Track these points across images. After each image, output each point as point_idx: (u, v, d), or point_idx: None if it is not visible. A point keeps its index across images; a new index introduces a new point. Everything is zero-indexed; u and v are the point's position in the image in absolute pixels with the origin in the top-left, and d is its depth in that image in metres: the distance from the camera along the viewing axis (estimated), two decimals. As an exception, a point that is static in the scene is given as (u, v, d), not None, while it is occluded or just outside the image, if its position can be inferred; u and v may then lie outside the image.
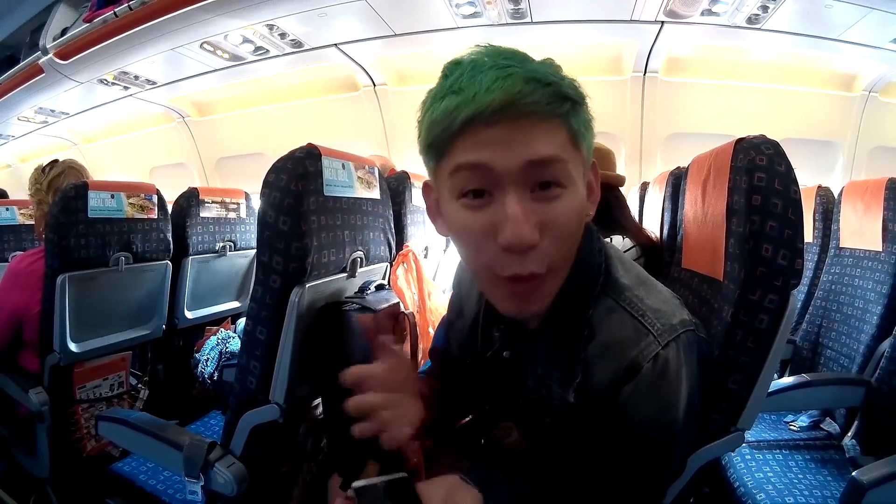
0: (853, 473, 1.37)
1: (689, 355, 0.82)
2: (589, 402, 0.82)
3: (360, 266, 1.65)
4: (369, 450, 1.02)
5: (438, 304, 2.09)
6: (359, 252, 1.62)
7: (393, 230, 1.85)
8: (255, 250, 3.07)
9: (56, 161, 2.38)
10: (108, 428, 1.73)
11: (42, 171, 2.33)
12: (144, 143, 5.66)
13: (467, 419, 1.31)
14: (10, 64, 4.43)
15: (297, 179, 1.33)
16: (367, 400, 0.94)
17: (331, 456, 1.64)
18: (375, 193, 1.70)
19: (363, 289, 1.60)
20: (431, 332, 2.01)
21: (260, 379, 1.42)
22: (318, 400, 1.67)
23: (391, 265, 1.93)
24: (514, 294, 0.82)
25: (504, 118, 0.73)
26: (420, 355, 1.78)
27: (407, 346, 1.69)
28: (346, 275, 1.60)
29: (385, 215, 1.79)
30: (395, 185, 2.16)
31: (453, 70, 0.78)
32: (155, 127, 5.42)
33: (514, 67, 0.74)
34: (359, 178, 1.58)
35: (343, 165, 1.48)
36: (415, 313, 1.82)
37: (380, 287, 1.64)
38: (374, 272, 1.81)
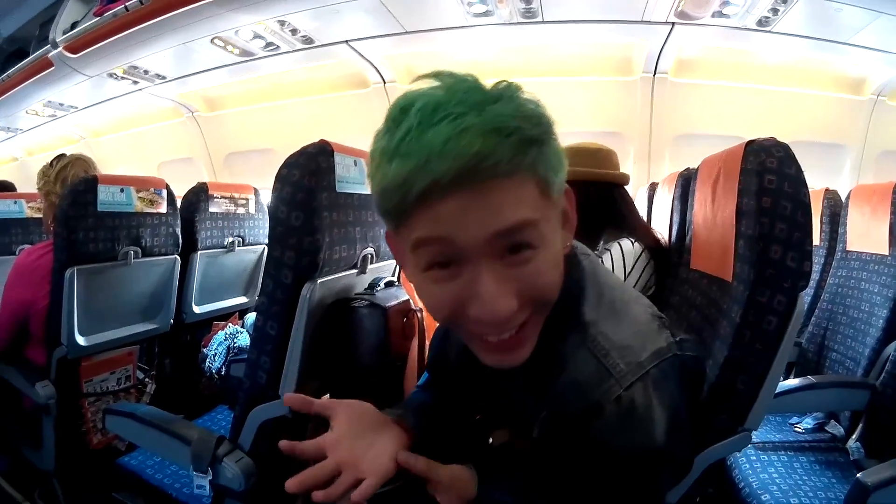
0: (857, 475, 1.38)
1: (661, 387, 0.79)
2: (559, 432, 0.80)
3: (371, 263, 1.65)
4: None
5: None
6: (369, 248, 1.62)
7: None
8: (263, 246, 3.12)
9: (63, 155, 2.39)
10: (115, 421, 1.74)
11: (50, 164, 2.35)
12: (152, 138, 5.66)
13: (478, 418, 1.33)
14: (20, 57, 4.44)
15: (310, 175, 1.34)
16: (309, 476, 0.85)
17: None
18: None
19: (373, 285, 1.60)
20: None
21: (270, 374, 1.42)
22: (325, 396, 1.66)
23: None
24: (491, 349, 0.78)
25: (463, 187, 0.65)
26: (427, 351, 1.77)
27: (415, 343, 1.70)
28: (356, 271, 1.60)
29: None
30: None
31: (400, 121, 0.68)
32: (163, 122, 5.41)
33: (468, 116, 0.65)
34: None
35: (355, 162, 1.49)
36: (423, 310, 1.82)
37: (389, 284, 1.64)
38: (383, 269, 1.81)
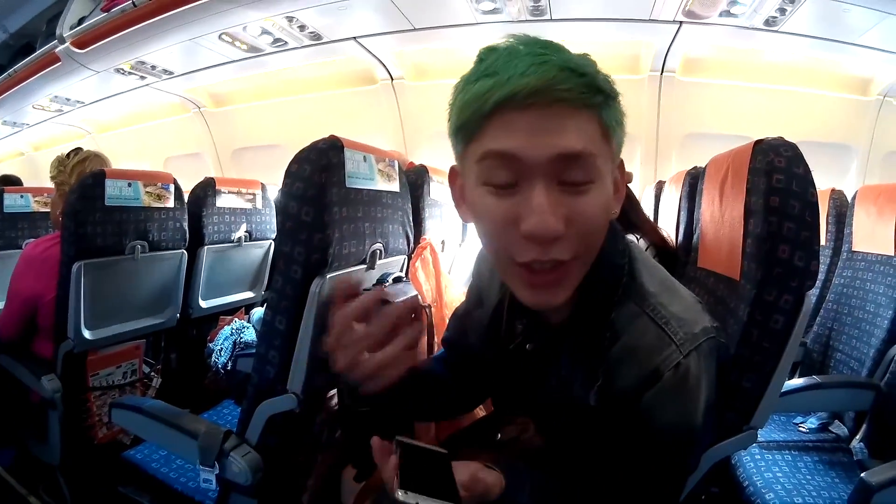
0: (861, 475, 1.38)
1: (707, 363, 0.83)
2: (609, 404, 0.83)
3: (380, 258, 1.65)
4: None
5: (455, 297, 2.10)
6: (378, 244, 1.63)
7: (411, 223, 1.85)
8: (270, 241, 3.14)
9: (80, 148, 2.40)
10: (121, 415, 1.74)
11: (67, 155, 2.36)
12: (159, 133, 5.68)
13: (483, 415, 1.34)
14: (27, 53, 4.48)
15: (321, 170, 1.34)
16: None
17: (345, 447, 1.62)
18: (395, 186, 1.71)
19: (381, 281, 1.61)
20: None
21: (278, 369, 1.43)
22: (333, 391, 1.66)
23: (409, 258, 1.94)
24: (532, 284, 0.81)
25: (536, 104, 0.71)
26: (436, 349, 1.77)
27: (424, 340, 1.70)
28: (365, 266, 1.61)
29: (404, 208, 1.80)
30: (414, 179, 2.15)
31: (488, 55, 0.76)
32: (170, 117, 5.44)
33: (549, 55, 0.72)
34: (379, 170, 1.59)
35: (364, 158, 1.49)
36: (431, 306, 1.83)
37: (397, 279, 1.65)
38: (392, 264, 1.81)
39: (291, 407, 1.42)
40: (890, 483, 1.34)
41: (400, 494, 0.80)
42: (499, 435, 1.19)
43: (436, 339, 1.74)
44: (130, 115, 5.60)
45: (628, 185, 1.98)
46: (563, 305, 0.86)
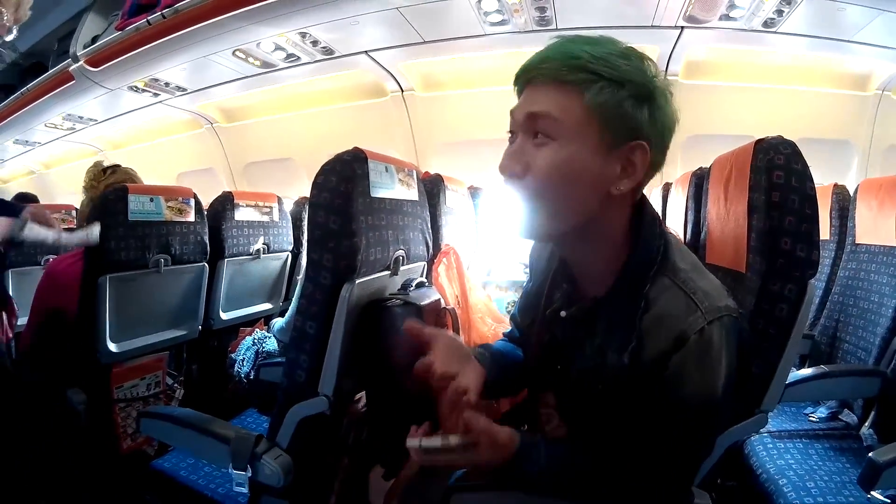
0: (869, 455, 1.41)
1: (729, 336, 0.91)
2: (640, 367, 0.91)
3: (402, 264, 1.70)
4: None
5: (478, 299, 2.16)
6: (400, 251, 1.67)
7: (430, 230, 1.90)
8: (288, 253, 3.20)
9: (118, 166, 2.49)
10: (151, 424, 1.77)
11: (103, 171, 2.43)
12: (170, 149, 5.73)
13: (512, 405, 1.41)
14: (37, 72, 4.49)
15: (347, 181, 1.39)
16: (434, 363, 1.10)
17: (373, 448, 1.67)
18: (414, 195, 1.76)
19: (405, 286, 1.65)
20: (478, 324, 2.09)
21: (309, 372, 1.47)
22: (360, 394, 1.71)
23: (428, 264, 1.98)
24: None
25: (533, 80, 0.95)
26: None
27: None
28: (388, 272, 1.65)
29: (423, 216, 1.84)
30: (430, 188, 2.21)
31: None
32: (181, 133, 5.49)
33: (567, 45, 0.93)
34: (399, 180, 1.64)
35: (386, 168, 1.55)
36: (456, 308, 1.88)
37: (419, 285, 1.69)
38: (413, 270, 1.85)
39: (322, 409, 1.46)
40: None
41: (408, 441, 0.98)
42: (525, 426, 1.27)
43: (462, 338, 1.79)
44: (142, 131, 5.64)
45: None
46: (603, 277, 1.00)
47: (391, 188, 1.59)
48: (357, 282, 1.44)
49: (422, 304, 1.58)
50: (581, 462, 1.00)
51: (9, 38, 1.72)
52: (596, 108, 0.91)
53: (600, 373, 0.98)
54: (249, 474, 1.48)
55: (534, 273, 1.30)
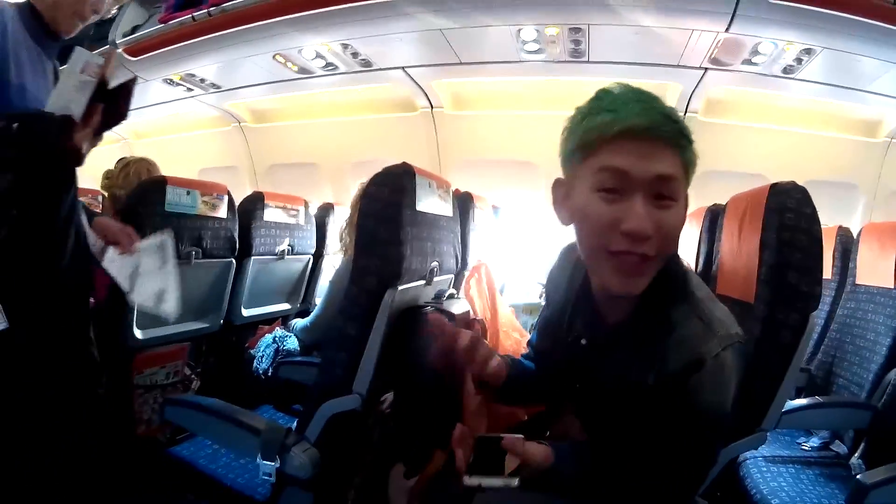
0: (857, 476, 1.52)
1: (737, 361, 1.02)
2: (662, 384, 1.00)
3: (436, 275, 1.79)
4: (437, 440, 1.20)
5: (505, 312, 2.26)
6: (435, 262, 1.77)
7: (460, 245, 1.99)
8: (310, 256, 3.26)
9: (124, 158, 2.62)
10: (176, 412, 1.81)
11: (114, 168, 2.54)
12: (195, 144, 5.74)
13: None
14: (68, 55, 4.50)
15: (397, 192, 1.50)
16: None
17: (397, 446, 1.70)
18: (448, 210, 1.86)
19: (438, 296, 1.76)
20: (502, 337, 2.17)
21: (346, 371, 1.55)
22: (386, 395, 1.78)
23: (455, 277, 2.06)
24: (620, 271, 1.01)
25: (644, 139, 0.95)
26: None
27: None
28: (424, 282, 1.75)
29: (455, 231, 1.94)
30: (461, 205, 2.27)
31: (606, 95, 1.01)
32: (207, 129, 5.50)
33: (653, 103, 0.97)
34: (439, 196, 1.75)
35: (430, 183, 1.65)
36: (485, 320, 1.99)
37: (450, 296, 1.80)
38: (443, 282, 1.94)
39: (354, 406, 1.54)
40: (883, 483, 1.48)
41: (466, 480, 1.01)
42: (548, 432, 1.38)
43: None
44: (167, 124, 5.65)
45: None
46: (623, 306, 1.10)
47: (432, 203, 1.69)
48: (399, 288, 1.54)
49: (455, 312, 1.68)
50: (604, 466, 1.10)
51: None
52: (688, 167, 1.01)
53: (620, 391, 1.08)
54: (278, 465, 1.54)
55: (550, 302, 1.40)
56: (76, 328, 1.67)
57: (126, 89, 1.52)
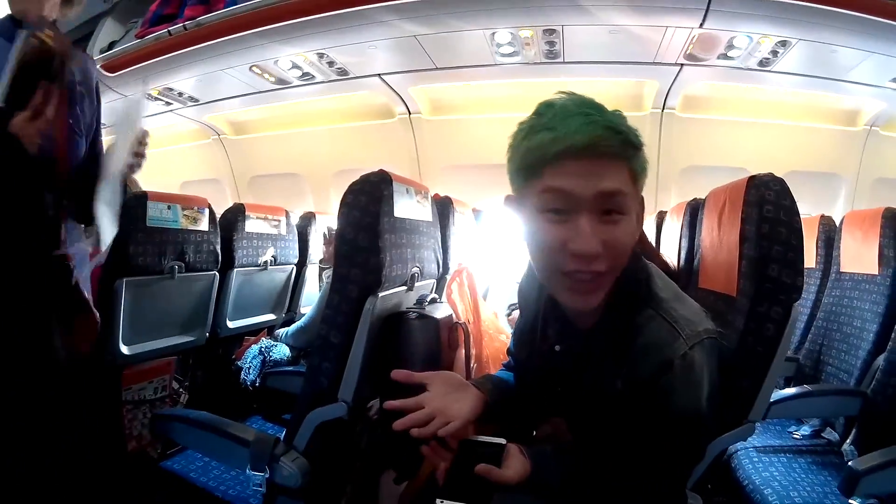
0: (849, 463, 1.52)
1: (710, 357, 1.02)
2: (632, 390, 1.00)
3: (417, 280, 1.79)
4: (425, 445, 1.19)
5: (487, 315, 2.26)
6: (416, 268, 1.77)
7: (441, 250, 1.99)
8: (293, 266, 3.25)
9: None
10: (165, 426, 1.79)
11: None
12: (176, 158, 5.70)
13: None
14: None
15: (375, 201, 1.50)
16: (410, 418, 1.11)
17: (386, 453, 1.70)
18: (428, 215, 1.86)
19: (420, 301, 1.75)
20: (485, 340, 2.17)
21: (331, 379, 1.54)
22: (373, 402, 1.76)
23: (437, 282, 2.06)
24: (573, 290, 1.01)
25: (586, 156, 0.93)
26: (473, 359, 1.92)
27: (461, 352, 1.84)
28: (405, 288, 1.74)
29: (435, 236, 1.94)
30: (441, 209, 2.29)
31: (546, 111, 0.98)
32: (188, 143, 5.47)
33: (595, 116, 0.94)
34: (417, 201, 1.75)
35: (407, 189, 1.65)
36: (468, 324, 1.99)
37: (432, 301, 1.79)
38: (425, 287, 1.94)
39: (341, 415, 1.53)
40: (874, 469, 1.48)
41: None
42: (534, 433, 1.37)
43: (473, 351, 1.89)
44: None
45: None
46: (591, 312, 1.09)
47: (411, 209, 1.69)
48: (380, 295, 1.53)
49: (437, 317, 1.68)
50: (588, 468, 1.09)
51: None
52: (638, 176, 1.00)
53: (597, 395, 1.08)
54: (267, 475, 1.53)
55: (523, 311, 1.40)
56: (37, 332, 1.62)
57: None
